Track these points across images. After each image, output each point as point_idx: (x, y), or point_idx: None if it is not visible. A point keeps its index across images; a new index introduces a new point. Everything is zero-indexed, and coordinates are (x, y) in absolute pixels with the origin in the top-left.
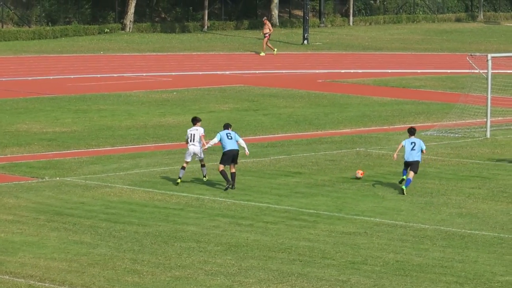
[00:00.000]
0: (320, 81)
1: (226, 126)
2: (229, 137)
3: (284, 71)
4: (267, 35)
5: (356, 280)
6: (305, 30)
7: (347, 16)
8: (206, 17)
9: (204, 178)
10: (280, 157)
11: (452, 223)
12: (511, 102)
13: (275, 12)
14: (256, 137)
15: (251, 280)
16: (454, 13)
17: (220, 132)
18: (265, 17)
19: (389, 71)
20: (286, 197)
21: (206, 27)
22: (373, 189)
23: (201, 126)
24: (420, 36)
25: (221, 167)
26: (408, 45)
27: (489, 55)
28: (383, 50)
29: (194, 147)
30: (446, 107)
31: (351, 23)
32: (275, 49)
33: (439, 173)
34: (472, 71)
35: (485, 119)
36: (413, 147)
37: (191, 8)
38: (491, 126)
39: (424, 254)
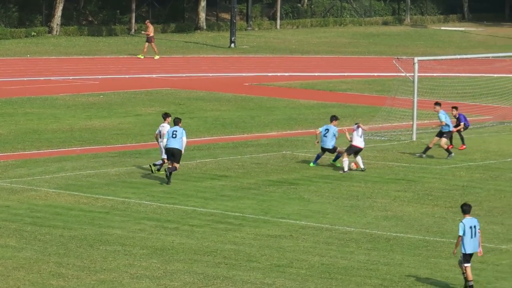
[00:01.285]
0: (247, 84)
1: (176, 122)
2: (174, 135)
3: (210, 74)
4: (151, 38)
5: (281, 283)
6: (232, 34)
7: (274, 19)
8: (133, 20)
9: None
10: (206, 160)
11: (377, 226)
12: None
13: (202, 15)
14: None
15: (176, 283)
16: (381, 16)
17: (168, 129)
18: (147, 20)
19: (316, 74)
20: (212, 200)
21: (133, 30)
22: (299, 192)
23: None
24: (347, 39)
25: (165, 161)
26: (335, 48)
27: (416, 58)
28: (310, 54)
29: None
30: (373, 110)
31: (278, 27)
32: (145, 54)
33: (365, 176)
34: (399, 74)
35: (411, 122)
36: (326, 133)
37: (118, 11)
38: (417, 129)
39: (349, 257)
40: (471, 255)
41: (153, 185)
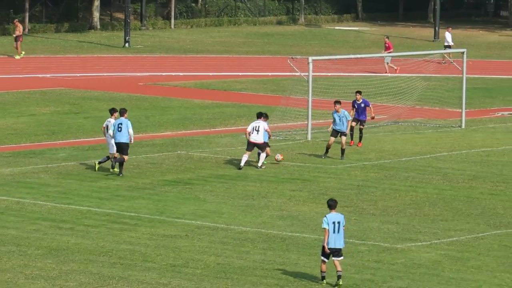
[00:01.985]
0: (142, 84)
1: (121, 113)
2: (119, 129)
3: (105, 74)
4: (19, 37)
5: (177, 283)
6: (126, 33)
7: (169, 19)
8: (27, 20)
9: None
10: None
11: (273, 226)
12: (332, 105)
13: (96, 14)
14: (77, 140)
15: (72, 284)
16: (276, 16)
17: (114, 122)
18: (16, 19)
19: (211, 74)
20: (107, 200)
21: (27, 30)
22: (194, 192)
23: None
24: (241, 39)
25: (115, 154)
26: (230, 48)
27: (310, 58)
28: (204, 53)
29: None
30: (268, 110)
31: (172, 26)
32: (22, 53)
33: (260, 175)
34: (293, 74)
35: (306, 122)
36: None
37: (11, 10)
38: (312, 129)
39: (245, 257)
40: (332, 250)
41: (48, 185)
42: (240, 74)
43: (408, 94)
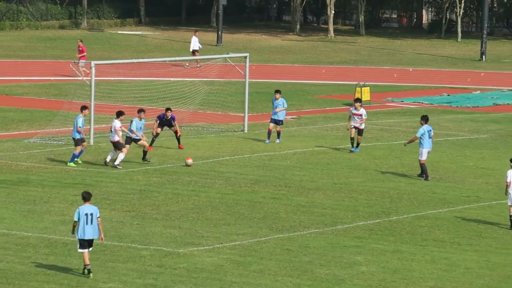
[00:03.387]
0: None
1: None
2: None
3: None
4: None
5: None
6: None
7: None
8: None
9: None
10: None
11: (55, 231)
12: (114, 109)
13: None
14: None
15: None
16: (58, 20)
17: None
18: None
19: None
20: None
21: None
22: None
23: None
24: (23, 43)
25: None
26: (12, 52)
27: (93, 62)
28: None
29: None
30: (50, 114)
31: None
32: None
33: (42, 180)
34: (76, 78)
35: (89, 127)
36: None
37: None
38: (95, 133)
39: (27, 262)
40: (88, 241)
41: None
42: (22, 78)
43: (190, 99)
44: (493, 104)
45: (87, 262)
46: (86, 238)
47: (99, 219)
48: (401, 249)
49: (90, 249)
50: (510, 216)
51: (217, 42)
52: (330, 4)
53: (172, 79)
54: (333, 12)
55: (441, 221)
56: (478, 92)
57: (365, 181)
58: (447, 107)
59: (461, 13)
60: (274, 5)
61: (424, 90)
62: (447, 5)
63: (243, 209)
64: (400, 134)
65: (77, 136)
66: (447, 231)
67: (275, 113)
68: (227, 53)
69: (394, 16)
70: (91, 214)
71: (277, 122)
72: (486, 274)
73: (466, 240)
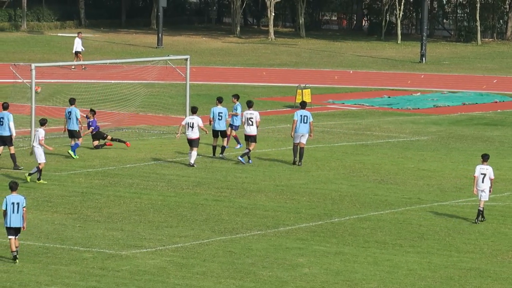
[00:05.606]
0: None
1: (4, 107)
2: (1, 123)
3: None
4: None
5: None
6: None
7: None
8: None
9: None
10: None
11: None
12: (56, 111)
13: None
14: None
15: None
16: None
17: None
18: None
19: None
20: None
21: None
22: None
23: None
24: None
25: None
26: None
27: (33, 65)
28: None
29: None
30: None
31: None
32: None
33: None
34: (16, 80)
35: (30, 129)
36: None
37: None
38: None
39: None
40: (14, 229)
41: None
42: None
43: (131, 101)
44: (434, 106)
45: (14, 248)
46: (12, 226)
47: (24, 208)
48: (343, 251)
49: (17, 236)
50: (479, 209)
51: (158, 45)
52: (270, 6)
53: (112, 81)
54: (273, 14)
55: (383, 223)
56: (418, 94)
57: (307, 183)
58: (388, 109)
59: (400, 15)
60: (214, 7)
61: (364, 92)
62: (386, 7)
63: (185, 211)
64: (341, 136)
65: (77, 128)
66: (389, 232)
67: (233, 118)
68: (168, 55)
69: (334, 18)
70: (17, 204)
71: (235, 128)
72: (428, 276)
73: (408, 242)
